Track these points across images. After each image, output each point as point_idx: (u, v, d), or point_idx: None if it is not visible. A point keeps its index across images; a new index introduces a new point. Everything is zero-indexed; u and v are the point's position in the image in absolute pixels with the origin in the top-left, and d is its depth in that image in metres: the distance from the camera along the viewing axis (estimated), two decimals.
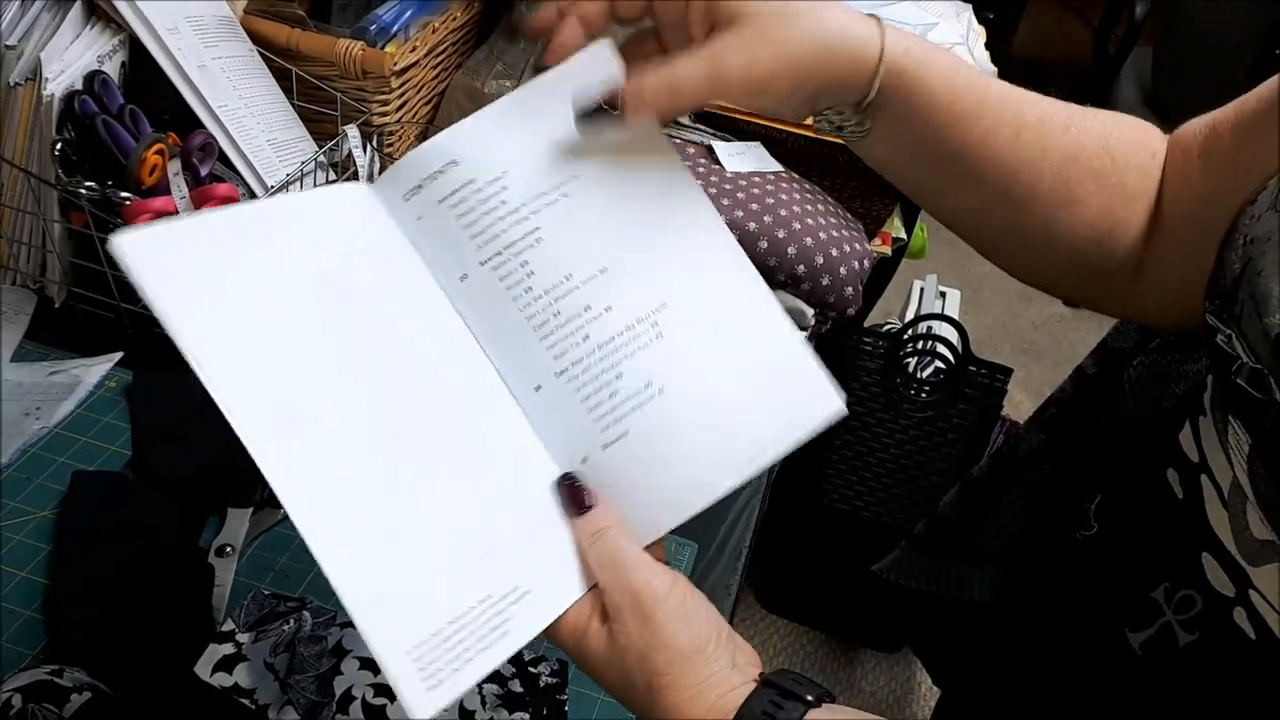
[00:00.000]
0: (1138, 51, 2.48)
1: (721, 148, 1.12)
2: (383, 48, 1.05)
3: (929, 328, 1.56)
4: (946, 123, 0.53)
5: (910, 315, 1.62)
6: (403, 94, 1.07)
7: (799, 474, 1.61)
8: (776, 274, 1.03)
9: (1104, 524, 0.57)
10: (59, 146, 0.83)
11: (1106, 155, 0.55)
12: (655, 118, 0.49)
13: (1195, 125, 0.57)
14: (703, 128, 1.20)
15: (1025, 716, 0.61)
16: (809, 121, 0.56)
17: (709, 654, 0.47)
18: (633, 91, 0.48)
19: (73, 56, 0.85)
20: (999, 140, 0.54)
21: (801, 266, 1.03)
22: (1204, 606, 0.48)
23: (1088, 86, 3.00)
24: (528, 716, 0.66)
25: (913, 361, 1.56)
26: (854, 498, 1.61)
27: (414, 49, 1.06)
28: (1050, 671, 0.59)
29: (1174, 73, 2.30)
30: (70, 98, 0.84)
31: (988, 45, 1.38)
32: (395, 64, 1.02)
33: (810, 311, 1.04)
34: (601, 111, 0.49)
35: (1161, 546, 0.51)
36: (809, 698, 0.46)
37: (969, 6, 1.40)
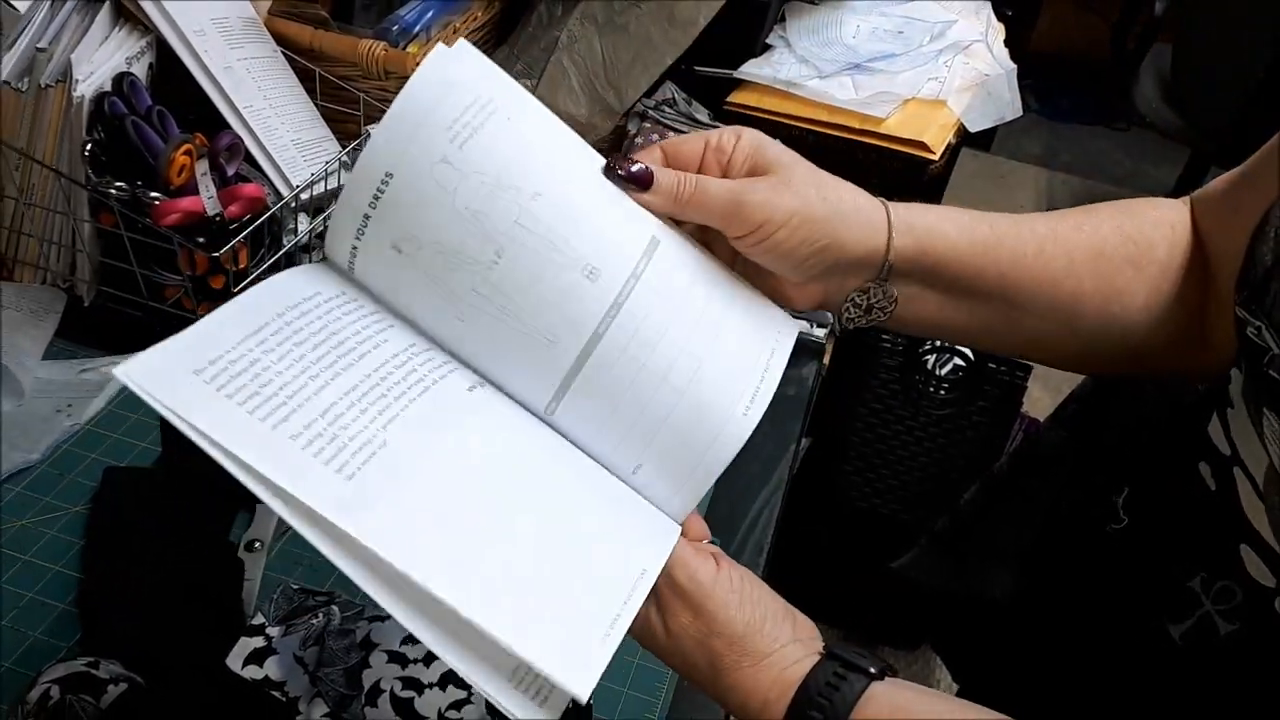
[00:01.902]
0: (1157, 47, 2.47)
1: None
2: (404, 48, 1.06)
3: None
4: (973, 258, 0.55)
5: None
6: None
7: (818, 471, 1.62)
8: None
9: (1134, 517, 0.58)
10: (89, 147, 0.84)
11: (1129, 242, 0.57)
12: (672, 202, 0.52)
13: (1215, 183, 0.59)
14: (719, 126, 1.21)
15: (1050, 710, 0.61)
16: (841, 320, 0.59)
17: (767, 631, 0.48)
18: (668, 176, 0.51)
19: (102, 59, 0.86)
20: (1027, 259, 0.56)
21: None
22: (1244, 597, 0.48)
23: (1106, 83, 2.99)
24: None
25: (931, 359, 1.56)
26: (873, 495, 1.62)
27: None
28: (1082, 664, 0.59)
29: (1194, 68, 2.29)
30: (100, 99, 0.85)
31: (1006, 42, 1.38)
32: (417, 64, 1.03)
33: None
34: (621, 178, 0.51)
35: (1196, 538, 0.52)
36: (872, 670, 0.47)
37: (988, 4, 1.40)
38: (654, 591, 0.48)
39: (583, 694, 0.43)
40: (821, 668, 0.47)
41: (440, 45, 0.49)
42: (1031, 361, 0.63)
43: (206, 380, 0.43)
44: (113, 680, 0.60)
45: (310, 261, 0.56)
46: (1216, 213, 0.58)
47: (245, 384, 0.43)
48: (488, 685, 0.43)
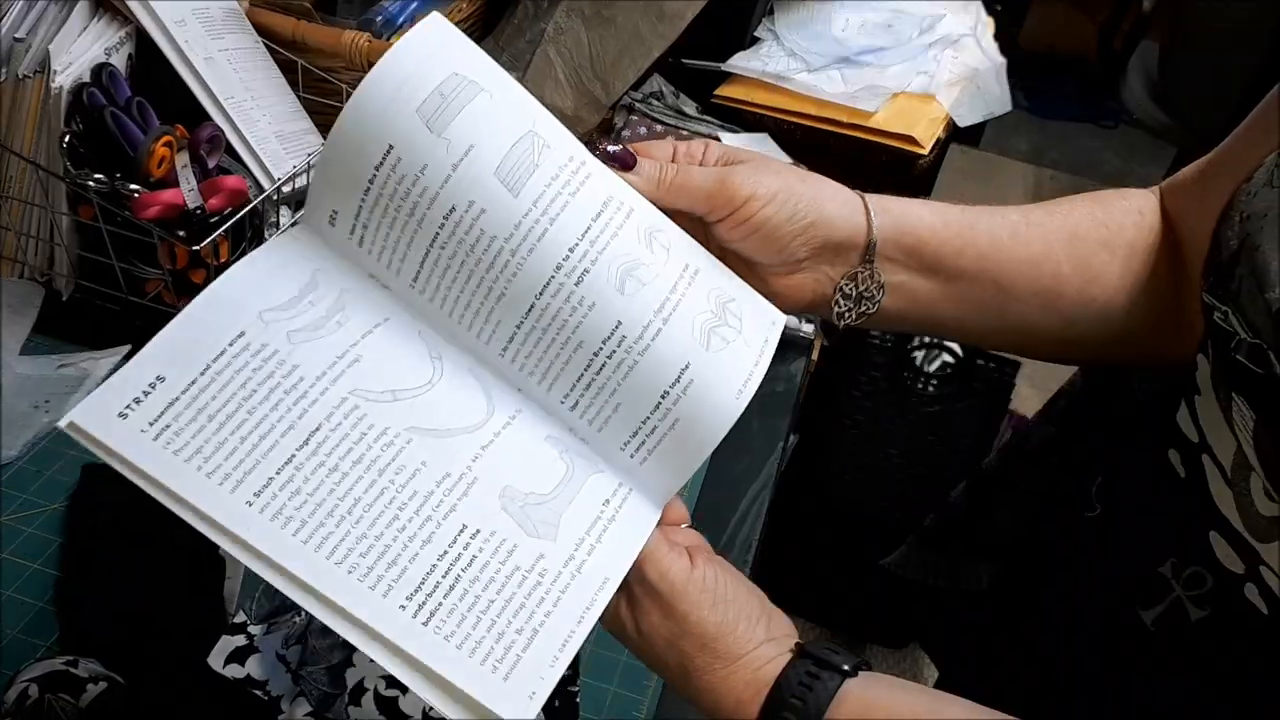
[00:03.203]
0: (1144, 44, 2.48)
1: (729, 139, 1.12)
2: (388, 40, 1.05)
3: None
4: (950, 238, 0.56)
5: None
6: None
7: (806, 469, 1.61)
8: None
9: (1107, 504, 0.58)
10: (67, 139, 0.83)
11: (1101, 226, 0.58)
12: (655, 185, 0.52)
13: (1185, 170, 0.60)
14: (710, 119, 1.20)
15: (1027, 696, 0.61)
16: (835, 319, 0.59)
17: (740, 632, 0.47)
18: (649, 161, 0.52)
19: (80, 49, 0.85)
20: (1004, 241, 0.56)
21: None
22: (1214, 584, 0.48)
23: (1095, 80, 3.00)
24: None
25: (920, 355, 1.56)
26: (861, 492, 1.61)
27: None
28: (1056, 650, 0.59)
29: (1181, 65, 2.30)
30: (78, 90, 0.84)
31: (995, 38, 1.38)
32: None
33: None
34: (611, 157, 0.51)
35: (1166, 525, 0.52)
36: (845, 667, 0.46)
37: None
38: (625, 587, 0.48)
39: None
40: (794, 667, 0.46)
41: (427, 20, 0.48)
42: (1018, 354, 0.63)
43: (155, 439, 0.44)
44: (92, 679, 0.59)
45: None
46: (1186, 199, 0.58)
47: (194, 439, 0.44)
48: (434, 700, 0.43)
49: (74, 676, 0.59)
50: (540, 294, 0.47)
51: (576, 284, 0.47)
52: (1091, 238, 0.57)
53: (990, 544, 1.01)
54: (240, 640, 0.67)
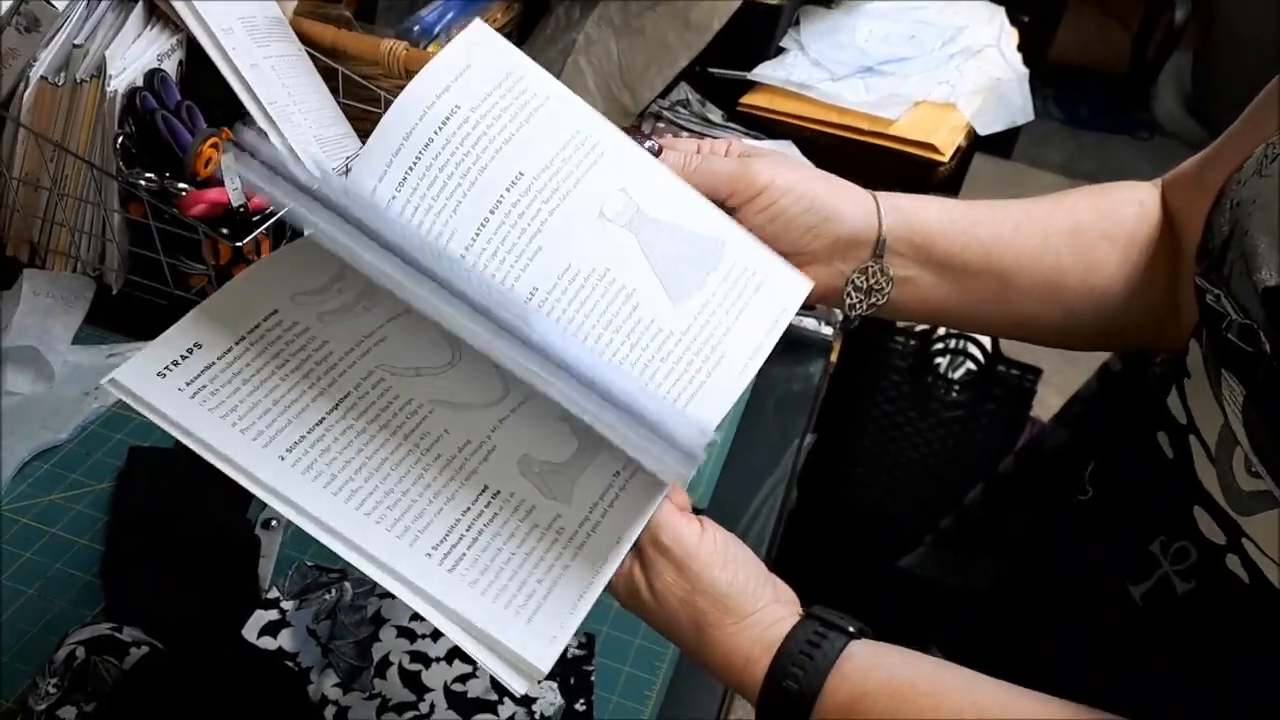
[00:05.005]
0: (1177, 56, 2.47)
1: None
2: (425, 48, 1.08)
3: None
4: (956, 234, 0.58)
5: None
6: None
7: (825, 469, 1.63)
8: None
9: (1099, 488, 0.59)
10: (120, 140, 0.87)
11: (1103, 218, 0.60)
12: (680, 171, 0.55)
13: (1185, 164, 0.62)
14: (736, 127, 1.23)
15: (1023, 676, 0.63)
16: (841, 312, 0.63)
17: (751, 591, 0.50)
18: (675, 151, 0.56)
19: (134, 55, 0.89)
20: (1005, 236, 0.59)
21: None
22: (1198, 556, 0.50)
23: (1129, 92, 2.98)
24: (555, 685, 0.69)
25: (944, 361, 1.57)
26: (881, 494, 1.63)
27: None
28: (1051, 633, 0.61)
29: (1213, 78, 2.29)
30: (131, 94, 0.88)
31: (1025, 49, 1.39)
32: None
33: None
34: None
35: (1155, 503, 0.53)
36: (851, 629, 0.49)
37: (1001, 9, 1.42)
38: (638, 550, 0.51)
39: (540, 668, 0.46)
40: (802, 627, 0.49)
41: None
42: (1021, 340, 0.65)
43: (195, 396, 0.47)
44: (135, 644, 0.63)
45: None
46: (1186, 192, 0.60)
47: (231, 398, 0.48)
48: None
49: (118, 641, 0.63)
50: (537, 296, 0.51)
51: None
52: (1093, 229, 0.59)
53: (1004, 547, 1.02)
54: (273, 615, 0.71)
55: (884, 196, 0.58)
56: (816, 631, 0.49)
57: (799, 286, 0.57)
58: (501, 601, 0.47)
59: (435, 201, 0.51)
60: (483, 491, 0.49)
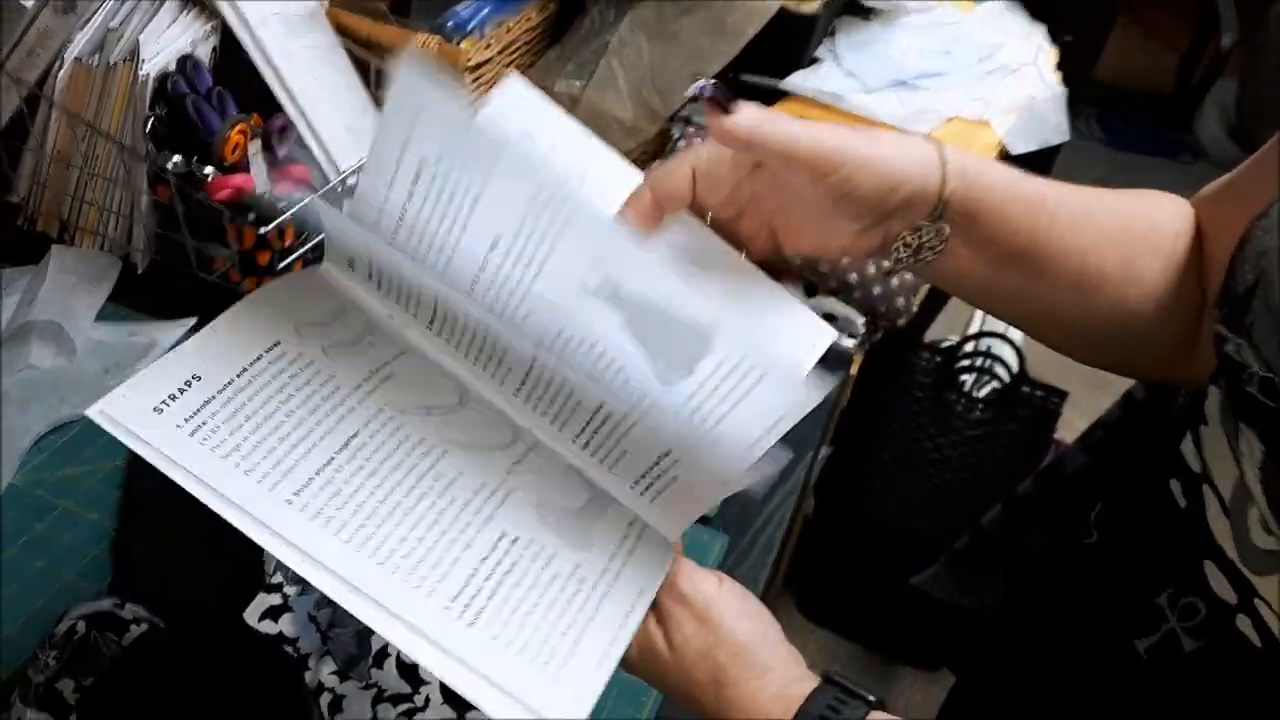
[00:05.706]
0: (1222, 82, 2.44)
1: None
2: (458, 44, 1.09)
3: (988, 346, 1.56)
4: (1015, 214, 0.54)
5: (973, 331, 1.62)
6: (475, 89, 1.11)
7: (846, 481, 1.62)
8: (826, 280, 1.05)
9: (1104, 532, 0.58)
10: (150, 123, 0.88)
11: (1155, 230, 0.57)
12: (740, 135, 0.49)
13: (1208, 188, 0.60)
14: None
15: (1029, 714, 0.62)
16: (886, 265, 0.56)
17: (771, 642, 0.49)
18: (734, 114, 0.49)
19: (168, 40, 0.90)
20: (1061, 227, 0.55)
21: (853, 274, 1.04)
22: (1207, 614, 0.49)
23: (1169, 114, 2.94)
24: None
25: (969, 379, 1.55)
26: (900, 510, 1.61)
27: (488, 46, 1.10)
28: (1054, 675, 0.60)
29: (1259, 104, 2.26)
30: (164, 78, 0.89)
31: (1067, 68, 1.38)
32: (469, 60, 1.06)
33: (860, 320, 1.05)
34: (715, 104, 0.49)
35: (1164, 555, 0.52)
36: (871, 699, 0.48)
37: (1041, 27, 1.40)
38: (654, 605, 0.49)
39: None
40: (822, 691, 0.48)
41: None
42: (1019, 327, 0.62)
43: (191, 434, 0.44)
44: (135, 621, 0.64)
45: None
46: (1207, 217, 0.58)
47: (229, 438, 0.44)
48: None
49: (119, 618, 0.63)
50: (537, 353, 0.46)
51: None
52: (1143, 240, 0.57)
53: (1019, 567, 1.00)
54: (275, 599, 0.71)
55: (951, 155, 0.53)
56: (836, 698, 0.48)
57: (803, 395, 0.46)
58: (526, 657, 0.43)
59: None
60: (501, 538, 0.46)
